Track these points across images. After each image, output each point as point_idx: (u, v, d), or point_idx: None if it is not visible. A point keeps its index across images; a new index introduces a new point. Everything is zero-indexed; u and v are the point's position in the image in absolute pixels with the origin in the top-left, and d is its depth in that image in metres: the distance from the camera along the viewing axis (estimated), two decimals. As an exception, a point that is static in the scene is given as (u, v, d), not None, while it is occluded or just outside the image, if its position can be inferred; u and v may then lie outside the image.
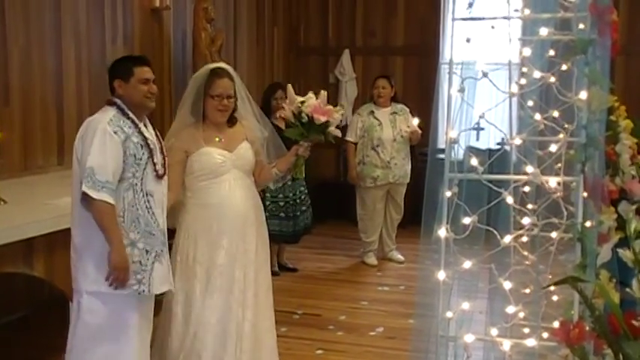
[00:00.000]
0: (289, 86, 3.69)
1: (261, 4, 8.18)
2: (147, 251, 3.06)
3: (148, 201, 3.07)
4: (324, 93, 3.64)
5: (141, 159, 3.04)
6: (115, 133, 2.97)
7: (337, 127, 3.71)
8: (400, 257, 6.67)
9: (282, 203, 5.97)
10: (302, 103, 3.55)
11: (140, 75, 3.07)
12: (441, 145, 2.96)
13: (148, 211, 3.07)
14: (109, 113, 3.03)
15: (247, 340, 3.53)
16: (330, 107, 3.62)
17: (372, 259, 6.64)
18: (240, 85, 3.59)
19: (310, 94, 3.61)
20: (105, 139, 2.94)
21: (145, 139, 3.08)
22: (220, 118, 3.53)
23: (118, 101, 3.06)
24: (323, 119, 3.53)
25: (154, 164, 3.11)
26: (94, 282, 3.02)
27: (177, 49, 6.56)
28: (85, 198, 2.92)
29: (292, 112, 3.56)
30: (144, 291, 3.06)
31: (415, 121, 6.09)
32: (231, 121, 3.59)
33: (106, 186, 2.90)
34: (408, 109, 6.54)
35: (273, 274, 5.87)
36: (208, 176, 3.50)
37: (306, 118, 3.53)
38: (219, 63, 3.78)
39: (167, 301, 3.54)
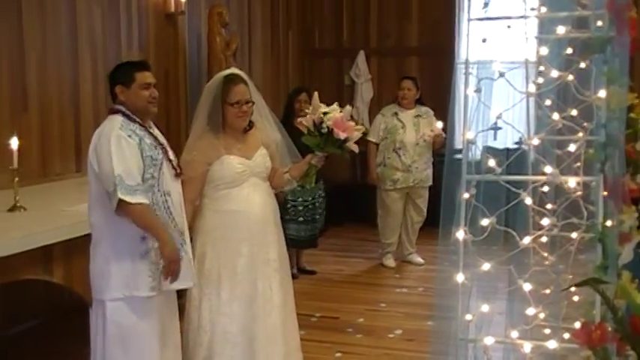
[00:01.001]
0: (315, 94, 3.66)
1: (275, 7, 8.19)
2: (153, 256, 3.04)
3: (166, 200, 3.07)
4: (349, 108, 3.62)
5: (157, 159, 3.04)
6: (129, 136, 2.97)
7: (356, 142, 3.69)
8: (420, 260, 6.62)
9: (301, 207, 5.96)
10: (325, 114, 3.53)
11: (141, 80, 3.05)
12: (458, 145, 2.94)
13: (166, 211, 3.07)
14: (117, 120, 3.00)
15: (281, 347, 3.53)
16: (352, 124, 3.60)
17: (390, 261, 6.61)
18: (253, 89, 3.57)
19: (335, 106, 3.59)
20: (121, 145, 2.93)
21: (156, 139, 3.09)
22: (242, 124, 3.50)
23: (122, 108, 3.04)
24: (342, 136, 3.51)
25: (170, 162, 3.12)
26: (116, 289, 3.01)
27: (192, 54, 6.58)
28: (121, 206, 2.89)
29: (313, 120, 3.55)
30: (156, 288, 3.05)
31: (439, 125, 6.04)
32: (248, 125, 3.57)
33: (138, 189, 2.91)
34: (432, 112, 6.45)
35: (293, 277, 5.89)
36: (228, 185, 3.46)
37: (326, 129, 3.51)
38: (230, 69, 3.74)
39: (187, 308, 3.53)
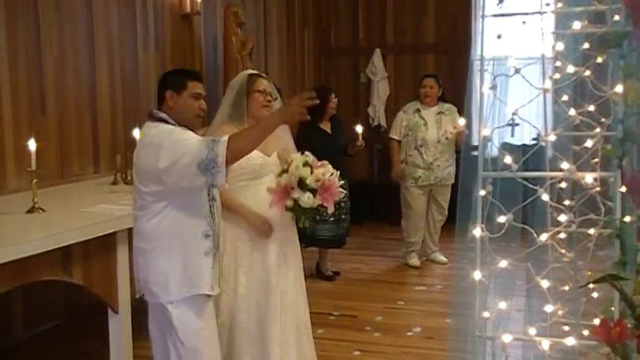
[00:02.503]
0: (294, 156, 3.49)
1: (291, 6, 8.20)
2: (214, 254, 3.04)
3: (212, 206, 3.04)
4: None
5: None
6: None
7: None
8: (443, 259, 6.56)
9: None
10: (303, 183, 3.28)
11: (193, 89, 2.97)
12: (475, 142, 2.93)
13: (212, 216, 3.02)
14: (167, 126, 2.89)
15: (292, 348, 3.53)
16: (336, 183, 3.36)
17: (414, 260, 6.54)
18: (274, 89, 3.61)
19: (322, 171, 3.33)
20: (177, 137, 2.82)
21: None
22: (266, 114, 3.52)
23: (164, 116, 2.93)
24: (329, 207, 3.34)
25: None
26: (180, 290, 2.94)
27: (208, 54, 6.60)
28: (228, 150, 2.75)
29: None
30: (213, 288, 3.03)
31: (462, 122, 5.97)
32: None
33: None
34: (455, 109, 6.38)
35: (310, 276, 5.87)
36: (248, 176, 3.46)
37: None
38: (250, 70, 3.80)
39: None
